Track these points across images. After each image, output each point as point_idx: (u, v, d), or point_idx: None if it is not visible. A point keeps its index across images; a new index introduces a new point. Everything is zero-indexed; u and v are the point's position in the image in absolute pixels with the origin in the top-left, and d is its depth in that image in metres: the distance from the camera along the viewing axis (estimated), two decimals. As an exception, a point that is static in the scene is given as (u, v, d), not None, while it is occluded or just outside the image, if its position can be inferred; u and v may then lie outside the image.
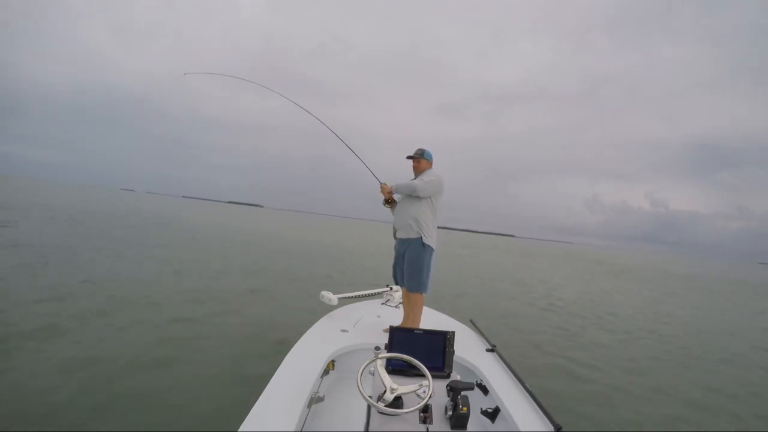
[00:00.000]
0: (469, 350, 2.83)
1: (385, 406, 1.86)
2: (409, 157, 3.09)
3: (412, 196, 2.91)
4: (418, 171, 3.07)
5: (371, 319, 3.08)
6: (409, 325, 2.92)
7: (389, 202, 3.15)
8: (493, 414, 2.23)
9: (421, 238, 2.90)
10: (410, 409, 1.83)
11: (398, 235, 3.06)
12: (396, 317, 3.39)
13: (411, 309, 3.00)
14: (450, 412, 2.06)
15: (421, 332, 2.64)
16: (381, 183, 3.16)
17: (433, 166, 3.09)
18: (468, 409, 1.99)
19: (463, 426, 2.01)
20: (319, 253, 14.74)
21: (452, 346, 2.61)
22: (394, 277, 3.20)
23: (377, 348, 2.13)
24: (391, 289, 3.93)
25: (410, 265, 2.93)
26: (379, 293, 3.92)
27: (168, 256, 9.22)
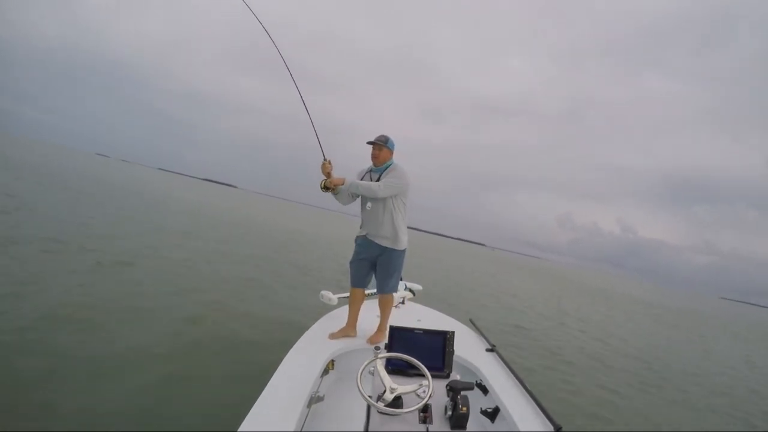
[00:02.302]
0: (469, 350, 2.83)
1: (385, 405, 1.86)
2: (370, 143, 2.83)
3: (368, 197, 2.76)
4: (378, 160, 2.83)
5: (371, 319, 3.08)
6: (384, 326, 2.89)
7: (329, 188, 2.75)
8: (492, 414, 2.23)
9: (397, 245, 2.85)
10: (410, 409, 1.83)
11: (373, 240, 2.86)
12: (396, 317, 3.39)
13: (384, 309, 2.99)
14: (450, 412, 2.06)
15: (421, 332, 2.64)
16: (325, 159, 2.75)
17: (393, 157, 2.90)
18: (468, 409, 1.99)
19: (463, 426, 2.02)
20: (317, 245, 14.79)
21: (452, 346, 2.61)
22: (356, 276, 2.97)
23: (377, 348, 2.13)
24: None
25: (386, 270, 2.89)
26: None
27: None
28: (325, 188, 2.76)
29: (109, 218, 10.27)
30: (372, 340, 2.79)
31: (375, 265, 2.94)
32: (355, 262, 2.98)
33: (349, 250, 3.07)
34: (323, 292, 3.57)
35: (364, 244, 2.92)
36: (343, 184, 2.75)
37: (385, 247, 2.84)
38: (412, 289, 4.52)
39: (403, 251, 2.92)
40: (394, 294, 3.05)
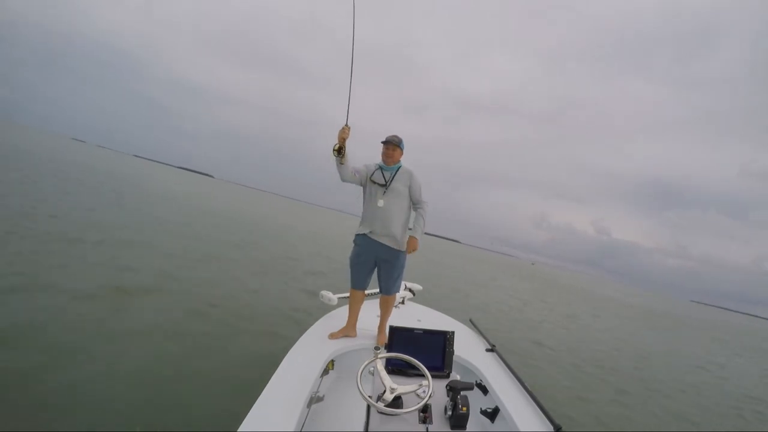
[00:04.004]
0: (469, 350, 2.83)
1: (385, 405, 1.86)
2: (384, 143, 2.83)
3: (405, 205, 2.84)
4: (391, 160, 2.84)
5: (371, 319, 3.08)
6: (385, 326, 2.90)
7: (341, 152, 2.66)
8: (492, 414, 2.23)
9: (403, 246, 2.84)
10: (410, 409, 1.84)
11: (378, 239, 2.80)
12: (396, 317, 3.39)
13: (387, 310, 2.99)
14: (449, 412, 2.06)
15: (421, 332, 2.64)
16: (347, 124, 2.66)
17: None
18: (467, 409, 2.00)
19: (463, 426, 2.02)
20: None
21: (452, 345, 2.62)
22: (357, 277, 2.92)
23: (377, 348, 2.13)
24: None
25: (392, 272, 2.87)
26: (378, 293, 3.92)
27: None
28: (338, 152, 2.66)
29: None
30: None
31: (375, 266, 2.91)
32: (357, 264, 2.91)
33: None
34: (323, 292, 3.57)
35: (366, 243, 2.82)
36: (418, 235, 2.83)
37: (390, 248, 2.80)
38: (412, 289, 4.52)
39: (405, 252, 2.92)
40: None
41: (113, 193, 14.85)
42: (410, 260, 3.03)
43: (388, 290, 2.92)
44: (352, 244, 2.96)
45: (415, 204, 2.93)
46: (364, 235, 2.83)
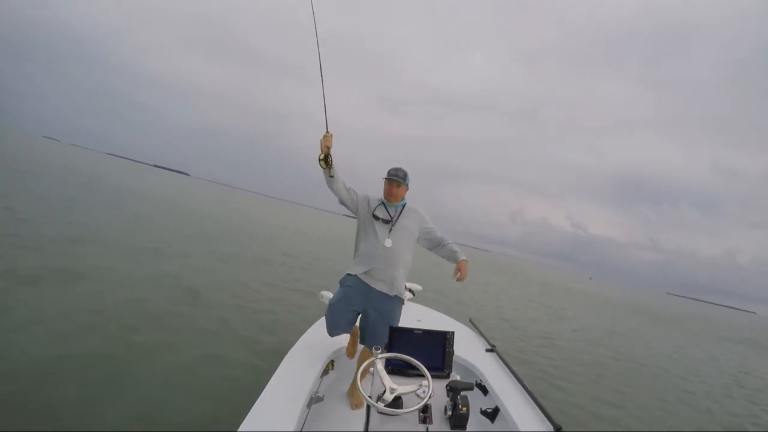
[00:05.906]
0: (469, 350, 2.84)
1: (385, 406, 1.86)
2: (387, 179, 2.43)
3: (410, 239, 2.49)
4: (396, 198, 2.46)
5: None
6: (356, 386, 2.43)
7: (327, 162, 2.29)
8: (492, 414, 2.23)
9: (404, 294, 2.53)
10: (410, 409, 1.84)
11: (372, 284, 2.43)
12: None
13: (368, 366, 2.44)
14: (449, 412, 2.06)
15: (421, 332, 2.64)
16: (328, 131, 2.29)
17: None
18: (467, 409, 2.00)
19: (463, 426, 2.02)
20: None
21: (452, 346, 2.62)
22: (335, 324, 2.50)
23: (377, 348, 2.13)
24: None
25: (384, 323, 2.43)
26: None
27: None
28: (324, 160, 2.34)
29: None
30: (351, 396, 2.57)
31: (359, 314, 2.53)
32: (340, 310, 2.47)
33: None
34: (323, 293, 3.57)
35: (358, 287, 2.44)
36: (459, 254, 2.50)
37: (386, 294, 2.46)
38: (412, 289, 4.52)
39: (402, 300, 2.62)
40: None
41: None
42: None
43: (376, 342, 2.38)
44: (338, 286, 2.56)
45: (438, 241, 2.62)
46: (356, 276, 2.45)
